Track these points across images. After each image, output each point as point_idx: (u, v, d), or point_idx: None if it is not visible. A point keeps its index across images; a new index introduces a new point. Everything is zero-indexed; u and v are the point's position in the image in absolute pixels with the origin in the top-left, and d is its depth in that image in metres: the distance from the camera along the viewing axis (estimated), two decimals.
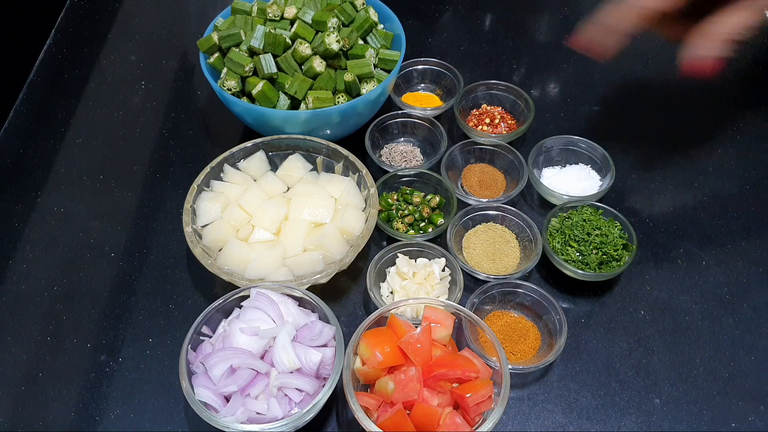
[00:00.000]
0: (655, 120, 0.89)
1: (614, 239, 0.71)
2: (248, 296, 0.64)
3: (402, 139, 0.86)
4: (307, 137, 0.76)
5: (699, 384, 0.66)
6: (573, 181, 0.80)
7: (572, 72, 0.96)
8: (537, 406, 0.64)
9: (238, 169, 0.76)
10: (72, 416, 0.63)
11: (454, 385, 0.59)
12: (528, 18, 1.05)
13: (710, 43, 0.53)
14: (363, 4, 0.85)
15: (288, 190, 0.76)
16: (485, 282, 0.70)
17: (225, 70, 0.78)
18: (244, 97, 0.79)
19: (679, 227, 0.78)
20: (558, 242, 0.72)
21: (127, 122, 0.89)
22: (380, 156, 0.84)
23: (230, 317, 0.64)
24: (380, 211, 0.75)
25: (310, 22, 0.80)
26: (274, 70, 0.77)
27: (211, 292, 0.72)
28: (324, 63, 0.78)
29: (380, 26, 0.85)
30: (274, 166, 0.78)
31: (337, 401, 0.65)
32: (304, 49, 0.77)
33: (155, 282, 0.73)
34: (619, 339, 0.69)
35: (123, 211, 0.79)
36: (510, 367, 0.62)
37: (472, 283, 0.71)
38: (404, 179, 0.79)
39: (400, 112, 0.85)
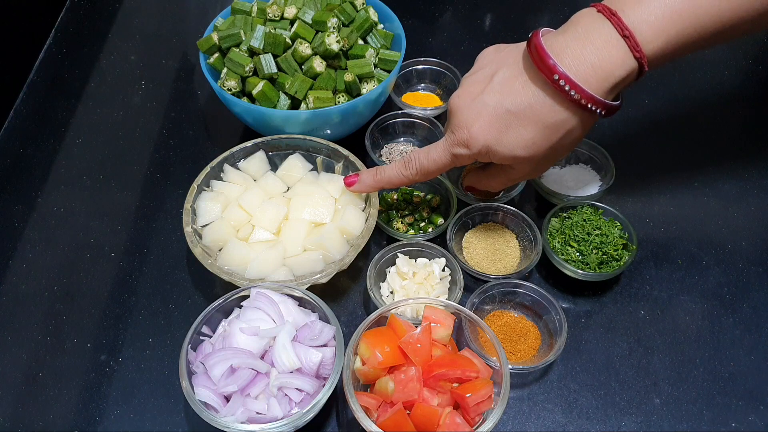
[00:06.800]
0: (655, 120, 0.89)
1: (614, 239, 0.71)
2: (248, 296, 0.64)
3: (402, 139, 0.86)
4: (307, 137, 0.76)
5: (699, 384, 0.66)
6: (573, 181, 0.80)
7: None
8: (537, 406, 0.64)
9: (238, 169, 0.76)
10: (72, 416, 0.63)
11: (454, 385, 0.59)
12: (528, 18, 1.05)
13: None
14: (363, 4, 0.85)
15: (288, 189, 0.76)
16: (485, 282, 0.70)
17: (225, 70, 0.78)
18: (244, 97, 0.79)
19: (679, 227, 0.78)
20: (558, 242, 0.72)
21: (127, 122, 0.89)
22: (380, 156, 0.84)
23: (230, 317, 0.64)
24: (380, 211, 0.75)
25: (310, 22, 0.80)
26: (274, 70, 0.77)
27: (211, 292, 0.72)
28: (324, 63, 0.78)
29: (380, 26, 0.85)
30: (274, 166, 0.78)
31: (337, 401, 0.65)
32: (304, 49, 0.77)
33: (155, 282, 0.73)
34: (619, 339, 0.69)
35: (123, 211, 0.79)
36: (510, 367, 0.62)
37: (472, 283, 0.71)
38: None
39: (400, 112, 0.85)
